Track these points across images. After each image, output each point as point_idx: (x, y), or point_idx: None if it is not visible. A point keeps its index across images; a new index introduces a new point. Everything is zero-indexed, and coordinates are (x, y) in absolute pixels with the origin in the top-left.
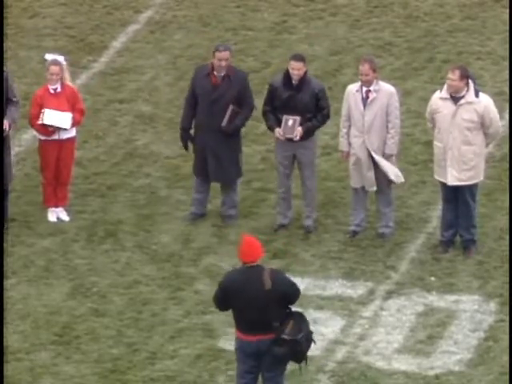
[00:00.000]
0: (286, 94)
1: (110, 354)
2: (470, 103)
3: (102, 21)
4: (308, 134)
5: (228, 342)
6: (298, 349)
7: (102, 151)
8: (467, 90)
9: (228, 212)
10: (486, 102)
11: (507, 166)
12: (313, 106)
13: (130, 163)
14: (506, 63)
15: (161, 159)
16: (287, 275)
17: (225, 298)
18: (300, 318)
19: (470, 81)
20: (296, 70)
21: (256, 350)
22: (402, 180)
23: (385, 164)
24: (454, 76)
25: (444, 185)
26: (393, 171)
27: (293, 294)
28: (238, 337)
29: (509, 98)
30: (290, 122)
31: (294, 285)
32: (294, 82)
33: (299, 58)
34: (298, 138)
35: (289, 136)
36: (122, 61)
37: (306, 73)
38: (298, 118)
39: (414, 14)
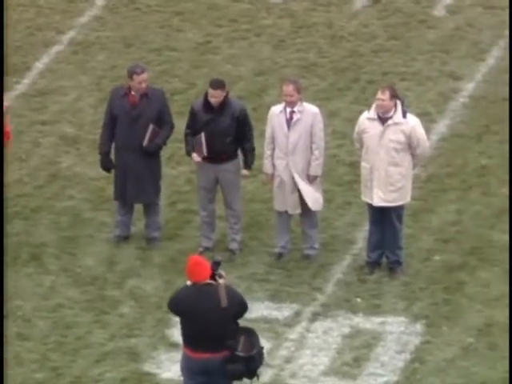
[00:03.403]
0: (206, 118)
1: (34, 379)
2: (397, 124)
3: (24, 42)
4: (228, 155)
5: (153, 365)
6: (253, 365)
7: (25, 173)
8: (395, 111)
9: (152, 234)
10: (413, 122)
11: (433, 186)
12: (233, 129)
13: (54, 185)
14: (431, 83)
15: (85, 181)
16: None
17: (176, 313)
18: (250, 334)
19: (397, 101)
20: (214, 97)
21: (204, 368)
22: (319, 208)
23: (305, 188)
24: (384, 96)
25: (370, 206)
26: (312, 197)
27: (245, 309)
28: (187, 354)
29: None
30: (198, 143)
31: (244, 300)
32: (213, 106)
33: (217, 85)
34: (205, 153)
35: (202, 155)
36: (44, 82)
37: (226, 95)
38: (201, 135)
39: (339, 34)
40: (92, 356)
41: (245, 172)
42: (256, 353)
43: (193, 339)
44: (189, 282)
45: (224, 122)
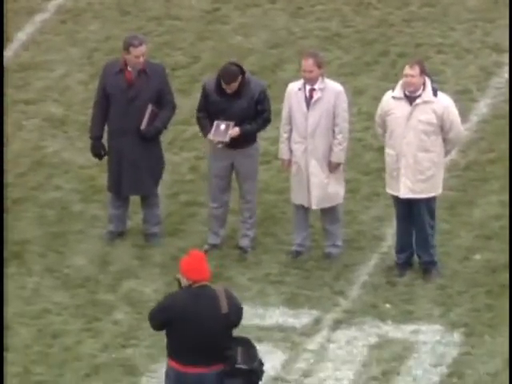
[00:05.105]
0: (221, 100)
1: None
2: (427, 102)
3: (4, 9)
4: (246, 139)
5: (152, 380)
6: (254, 378)
7: (6, 160)
8: (424, 89)
9: (151, 230)
10: (446, 102)
11: (473, 175)
12: (252, 112)
13: (38, 174)
14: (471, 56)
15: (74, 169)
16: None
17: (166, 323)
18: (248, 344)
19: (426, 78)
20: (229, 89)
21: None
22: (333, 203)
23: (316, 182)
24: (413, 71)
25: (397, 199)
26: (322, 194)
27: (241, 317)
28: (175, 368)
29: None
30: (223, 127)
31: (241, 306)
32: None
33: (229, 79)
34: (228, 139)
35: (219, 139)
36: (28, 55)
37: (243, 76)
38: (231, 123)
39: (366, 0)
40: (82, 369)
41: (236, 129)
42: (257, 365)
43: (184, 351)
44: (185, 283)
45: (241, 106)
